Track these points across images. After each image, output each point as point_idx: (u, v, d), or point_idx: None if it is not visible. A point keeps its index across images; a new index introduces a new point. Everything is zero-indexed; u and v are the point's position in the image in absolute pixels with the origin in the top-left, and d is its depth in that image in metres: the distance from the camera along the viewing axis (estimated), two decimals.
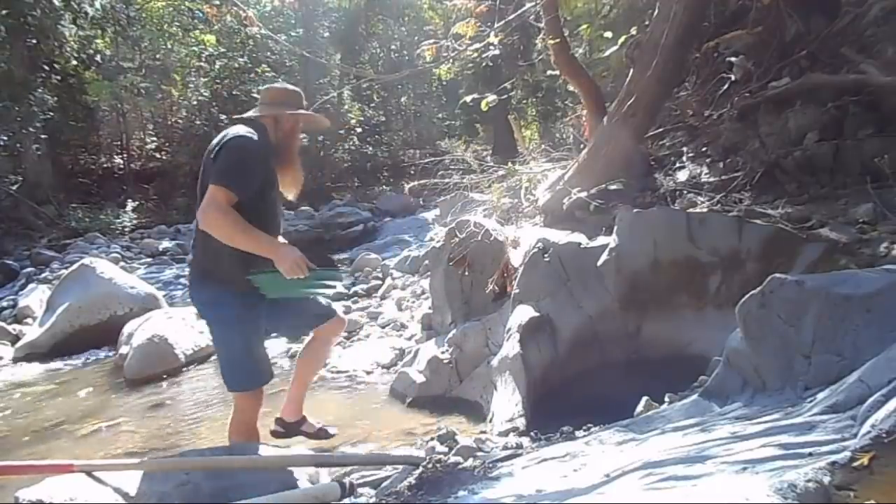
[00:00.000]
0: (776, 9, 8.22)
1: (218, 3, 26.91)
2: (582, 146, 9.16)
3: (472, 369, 7.15)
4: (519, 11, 9.41)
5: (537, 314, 6.38)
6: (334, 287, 5.33)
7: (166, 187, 28.20)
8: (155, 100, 29.80)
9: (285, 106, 5.04)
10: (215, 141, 4.86)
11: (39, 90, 22.79)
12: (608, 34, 10.12)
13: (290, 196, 5.11)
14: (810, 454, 2.65)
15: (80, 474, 4.52)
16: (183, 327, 9.80)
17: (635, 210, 6.64)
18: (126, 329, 9.86)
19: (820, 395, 3.45)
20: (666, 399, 4.98)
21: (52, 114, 23.57)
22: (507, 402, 5.89)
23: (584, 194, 7.55)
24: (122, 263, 16.50)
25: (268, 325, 5.16)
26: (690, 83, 9.64)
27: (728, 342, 4.24)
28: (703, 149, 8.57)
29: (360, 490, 4.66)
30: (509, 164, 10.43)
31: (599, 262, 6.38)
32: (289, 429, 5.58)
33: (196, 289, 4.91)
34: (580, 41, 11.63)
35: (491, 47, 9.26)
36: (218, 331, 4.95)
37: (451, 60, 10.29)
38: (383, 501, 4.18)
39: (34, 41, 22.65)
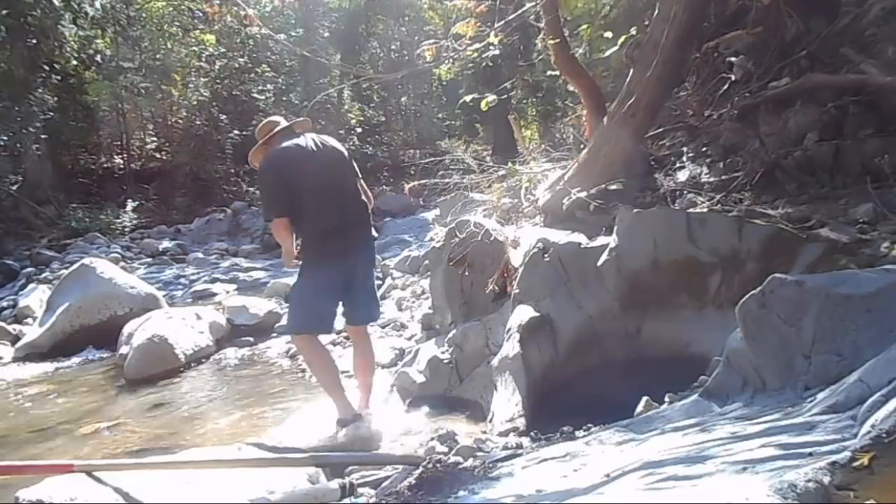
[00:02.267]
0: (776, 9, 8.22)
1: (218, 1, 26.92)
2: (582, 146, 9.14)
3: (473, 369, 7.14)
4: (519, 11, 9.40)
5: (537, 314, 6.37)
6: None
7: (166, 187, 28.22)
8: (155, 100, 29.83)
9: None
10: (336, 146, 6.37)
11: (39, 90, 22.74)
12: (608, 34, 10.10)
13: None
14: (810, 454, 2.65)
15: (81, 474, 4.54)
16: (183, 327, 9.82)
17: (635, 210, 6.62)
18: (126, 329, 9.89)
19: (820, 395, 3.45)
20: (666, 399, 4.98)
21: (52, 114, 23.53)
22: (507, 402, 5.89)
23: (584, 194, 7.54)
24: (122, 263, 16.54)
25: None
26: (690, 83, 9.63)
27: (728, 342, 4.24)
28: (704, 149, 8.57)
29: (360, 490, 4.68)
30: (509, 163, 10.40)
31: (599, 262, 6.37)
32: None
33: (372, 239, 6.52)
34: (580, 41, 11.61)
35: (491, 47, 9.26)
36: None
37: (451, 60, 10.28)
38: (383, 501, 4.19)
39: (34, 41, 22.56)
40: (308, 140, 6.20)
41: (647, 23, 9.25)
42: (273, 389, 8.00)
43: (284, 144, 6.11)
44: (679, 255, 6.03)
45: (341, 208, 6.15)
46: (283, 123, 6.41)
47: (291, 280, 10.26)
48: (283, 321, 10.90)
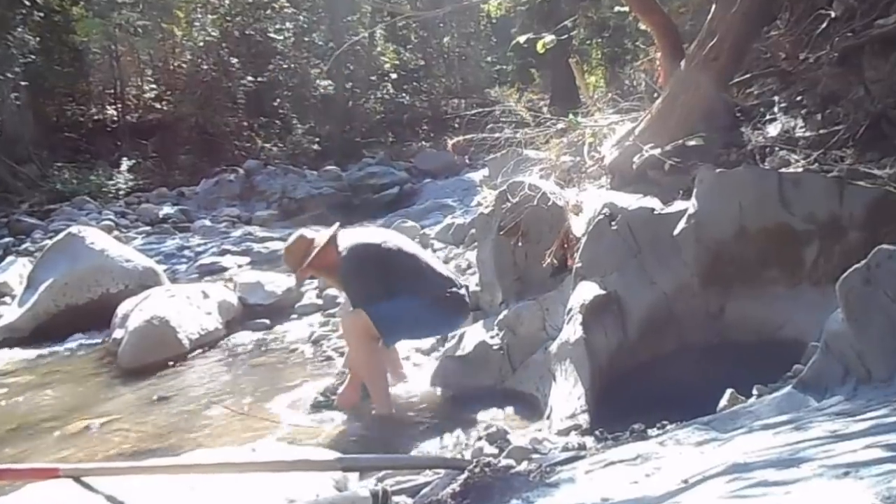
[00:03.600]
0: None
1: None
2: (655, 95, 9.12)
3: (527, 356, 7.14)
4: None
5: (603, 292, 6.37)
6: None
7: (168, 143, 28.26)
8: (154, 40, 29.82)
9: None
10: None
11: (19, 29, 22.80)
12: None
13: None
14: None
15: (67, 480, 4.57)
16: (187, 307, 9.86)
17: (718, 170, 6.58)
18: (121, 309, 9.94)
19: None
20: (754, 392, 4.97)
21: (33, 57, 23.61)
22: (567, 396, 5.91)
23: (657, 151, 7.51)
24: (115, 232, 16.74)
25: None
26: (783, 21, 9.55)
27: (827, 325, 4.22)
28: (798, 98, 8.49)
29: (395, 498, 4.69)
30: (570, 115, 10.36)
31: (676, 231, 6.36)
32: None
33: None
34: None
35: None
36: None
37: None
38: None
39: None
40: (362, 233, 7.48)
41: None
42: (293, 380, 8.01)
43: (356, 243, 7.10)
44: (769, 223, 6.00)
45: (444, 274, 7.32)
46: (314, 235, 7.28)
47: None
48: (306, 301, 10.93)
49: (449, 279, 7.23)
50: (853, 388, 3.94)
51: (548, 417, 6.01)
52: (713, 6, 8.11)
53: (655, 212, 6.66)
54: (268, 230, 19.29)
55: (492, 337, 7.46)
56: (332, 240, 7.07)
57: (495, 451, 5.37)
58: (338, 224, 7.42)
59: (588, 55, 26.82)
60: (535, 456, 4.88)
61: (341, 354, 8.52)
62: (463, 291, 7.32)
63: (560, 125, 10.08)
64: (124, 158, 25.99)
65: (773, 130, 8.16)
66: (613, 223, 6.68)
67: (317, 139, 30.45)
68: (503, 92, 35.70)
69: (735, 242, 6.09)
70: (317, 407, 7.08)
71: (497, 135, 10.20)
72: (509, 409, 6.77)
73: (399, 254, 7.04)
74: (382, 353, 7.12)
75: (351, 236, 7.15)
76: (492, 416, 6.65)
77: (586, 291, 6.40)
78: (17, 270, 13.05)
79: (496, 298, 8.24)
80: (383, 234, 7.37)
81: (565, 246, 7.32)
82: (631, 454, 3.94)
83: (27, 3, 23.48)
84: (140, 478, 4.76)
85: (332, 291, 10.38)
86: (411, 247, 7.40)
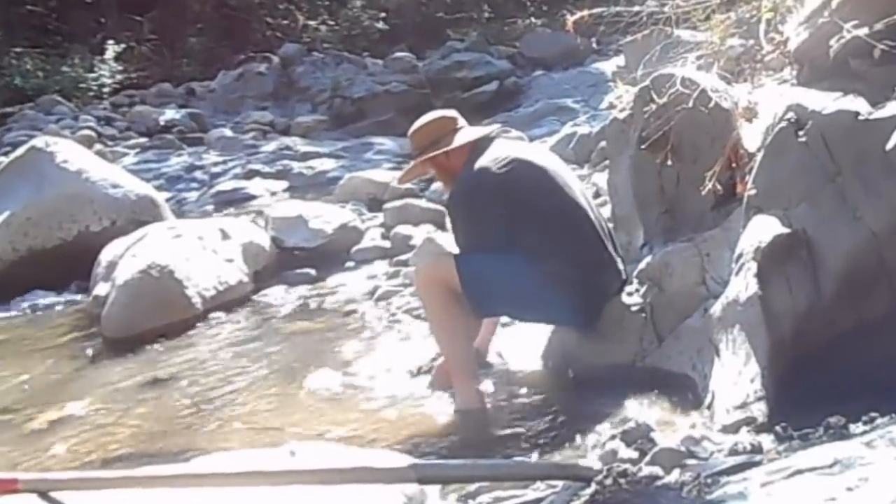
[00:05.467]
0: None
1: None
2: None
3: (679, 322, 7.11)
4: None
5: (787, 230, 6.30)
6: None
7: (171, 21, 28.16)
8: None
9: None
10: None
11: None
12: None
13: None
14: None
15: (29, 495, 4.63)
16: (200, 252, 9.91)
17: None
18: (105, 255, 10.01)
19: None
20: None
21: None
22: (736, 377, 5.92)
23: (863, 32, 7.42)
24: (98, 146, 16.94)
25: None
26: None
27: None
28: None
29: None
30: None
31: (889, 145, 6.21)
32: None
33: None
34: None
35: None
36: None
37: None
38: None
39: None
40: (516, 151, 7.04)
41: None
42: (347, 354, 8.00)
43: (491, 163, 6.81)
44: None
45: (605, 240, 7.30)
46: (464, 123, 7.15)
47: (378, 173, 10.41)
48: (366, 243, 10.98)
49: (603, 253, 7.19)
50: None
51: (708, 408, 6.04)
52: None
53: (861, 117, 6.49)
54: (313, 143, 19.35)
55: (629, 294, 7.42)
56: (476, 142, 7.00)
57: (634, 454, 5.37)
58: (499, 127, 7.61)
59: None
60: (690, 462, 4.89)
61: (417, 317, 8.58)
62: (613, 272, 7.30)
63: None
64: (110, 42, 25.97)
65: None
66: (801, 133, 6.61)
67: (382, 15, 30.12)
68: None
69: None
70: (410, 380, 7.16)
71: (637, 8, 10.12)
72: (653, 397, 6.72)
73: (549, 196, 6.86)
74: (469, 318, 6.98)
75: (499, 149, 6.92)
76: (629, 407, 6.60)
77: (763, 230, 6.34)
78: None
79: (636, 239, 8.20)
80: (545, 161, 7.14)
81: (733, 165, 7.26)
82: (826, 459, 3.97)
83: None
84: (131, 493, 4.80)
85: (402, 230, 10.62)
86: (575, 189, 7.23)
